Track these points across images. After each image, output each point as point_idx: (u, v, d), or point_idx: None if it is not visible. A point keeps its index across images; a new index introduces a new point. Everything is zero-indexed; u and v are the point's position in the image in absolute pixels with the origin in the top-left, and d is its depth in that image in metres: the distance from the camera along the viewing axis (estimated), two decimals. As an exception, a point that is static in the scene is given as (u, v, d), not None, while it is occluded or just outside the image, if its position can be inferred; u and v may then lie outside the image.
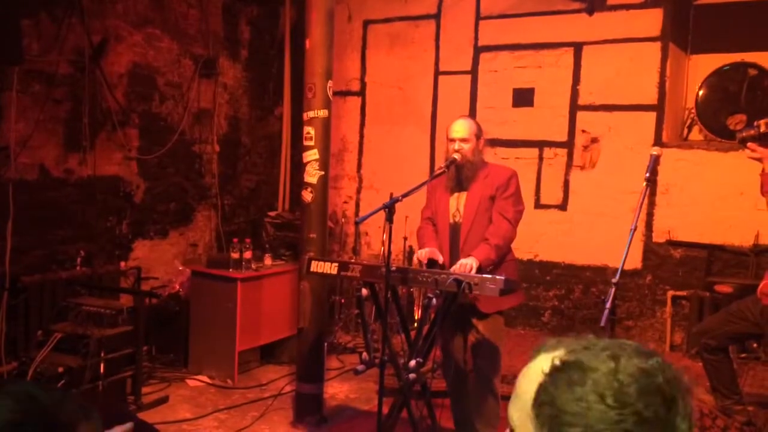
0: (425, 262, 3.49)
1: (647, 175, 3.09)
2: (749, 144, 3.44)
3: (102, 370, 4.10)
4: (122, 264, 5.11)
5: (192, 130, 5.78)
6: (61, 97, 4.63)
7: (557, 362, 0.90)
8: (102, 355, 4.09)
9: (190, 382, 4.89)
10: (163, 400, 4.50)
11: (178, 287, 5.28)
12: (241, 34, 6.27)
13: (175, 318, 5.22)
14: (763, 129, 3.39)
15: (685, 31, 5.60)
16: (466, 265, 3.25)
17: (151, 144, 5.36)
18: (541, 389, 0.89)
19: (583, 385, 0.85)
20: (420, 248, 3.62)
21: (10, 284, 4.18)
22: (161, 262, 5.52)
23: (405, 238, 5.73)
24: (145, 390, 4.49)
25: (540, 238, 5.76)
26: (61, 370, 3.89)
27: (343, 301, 6.11)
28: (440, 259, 3.45)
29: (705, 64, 5.52)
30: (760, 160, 3.45)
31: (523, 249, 5.62)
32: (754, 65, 5.26)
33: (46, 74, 4.49)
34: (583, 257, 5.67)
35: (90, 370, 3.99)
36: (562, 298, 5.79)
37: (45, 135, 4.53)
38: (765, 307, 3.57)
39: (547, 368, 0.91)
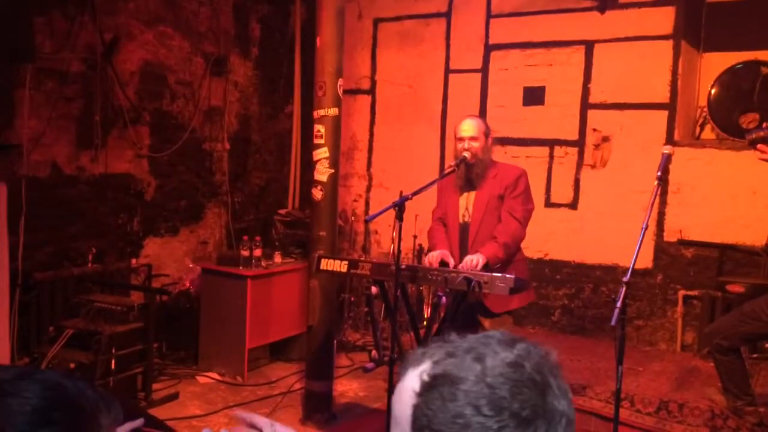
0: (436, 266, 3.48)
1: (659, 173, 3.08)
2: (759, 146, 3.43)
3: (113, 366, 4.12)
4: (133, 261, 5.14)
5: (203, 128, 5.81)
6: (73, 95, 4.65)
7: (426, 378, 0.85)
8: (113, 351, 4.11)
9: (200, 379, 4.92)
10: (174, 397, 4.53)
11: (188, 284, 5.31)
12: (251, 32, 6.28)
13: (185, 315, 5.25)
14: None
15: (697, 29, 5.56)
16: (473, 261, 3.25)
17: (162, 142, 5.38)
18: (417, 411, 0.84)
19: (455, 399, 0.81)
20: (431, 250, 3.61)
21: (23, 280, 4.22)
22: (172, 259, 5.55)
23: (415, 237, 5.73)
24: (155, 386, 4.52)
25: (550, 237, 5.74)
26: (72, 366, 3.92)
27: (352, 299, 6.11)
28: (451, 262, 3.44)
29: (717, 62, 5.48)
30: (769, 161, 3.43)
31: (533, 248, 5.61)
32: (767, 63, 5.21)
33: (58, 72, 4.52)
34: (594, 256, 5.64)
35: (101, 366, 4.02)
36: (572, 297, 5.77)
37: (57, 132, 4.56)
38: (778, 308, 3.54)
39: (417, 387, 0.85)
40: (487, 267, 3.27)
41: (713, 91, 5.41)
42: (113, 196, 5.01)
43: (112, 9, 4.88)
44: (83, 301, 4.33)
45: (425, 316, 5.58)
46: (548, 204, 5.78)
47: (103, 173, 4.88)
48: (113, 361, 4.12)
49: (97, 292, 4.65)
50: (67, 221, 4.66)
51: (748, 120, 5.22)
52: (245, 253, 5.03)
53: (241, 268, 5.01)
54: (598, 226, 5.59)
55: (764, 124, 3.48)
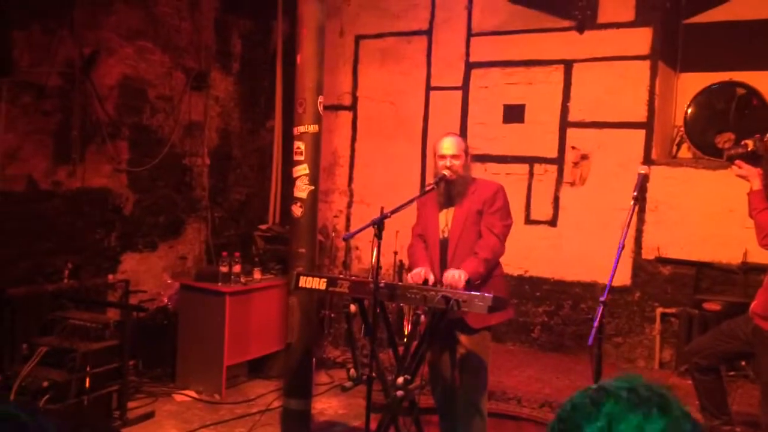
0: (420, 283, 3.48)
1: (635, 193, 3.11)
2: (736, 161, 3.48)
3: (87, 384, 4.05)
4: (110, 277, 5.07)
5: (182, 142, 5.77)
6: (51, 109, 4.61)
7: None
8: (87, 369, 4.05)
9: (177, 397, 4.85)
10: (149, 416, 4.46)
11: (166, 300, 5.25)
12: (233, 47, 6.27)
13: (163, 332, 5.18)
14: (751, 147, 3.43)
15: (674, 49, 5.65)
16: (455, 276, 3.25)
17: (141, 156, 5.34)
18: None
19: None
20: (411, 267, 3.61)
21: (-4, 297, 4.14)
22: (150, 275, 5.48)
23: (395, 253, 5.72)
24: (131, 405, 4.45)
25: (530, 254, 5.76)
26: (45, 384, 3.84)
27: (333, 315, 6.08)
28: (431, 280, 3.44)
29: (694, 82, 5.56)
30: (745, 177, 3.48)
31: (513, 265, 5.62)
32: (742, 84, 5.30)
33: (36, 86, 4.48)
34: (573, 273, 5.67)
35: (75, 385, 3.95)
36: (552, 314, 5.78)
37: (34, 147, 4.51)
38: (756, 327, 3.57)
39: None
40: (468, 282, 3.28)
41: (689, 111, 5.49)
42: (90, 211, 4.95)
43: (93, 23, 4.85)
44: (58, 318, 4.26)
45: (405, 332, 5.56)
46: (528, 221, 5.81)
47: (80, 188, 4.83)
48: (88, 380, 4.05)
49: (72, 308, 4.57)
50: (43, 236, 4.60)
51: (724, 139, 5.30)
52: (224, 269, 4.99)
53: (219, 284, 4.96)
54: (578, 243, 5.63)
55: (743, 142, 3.53)
